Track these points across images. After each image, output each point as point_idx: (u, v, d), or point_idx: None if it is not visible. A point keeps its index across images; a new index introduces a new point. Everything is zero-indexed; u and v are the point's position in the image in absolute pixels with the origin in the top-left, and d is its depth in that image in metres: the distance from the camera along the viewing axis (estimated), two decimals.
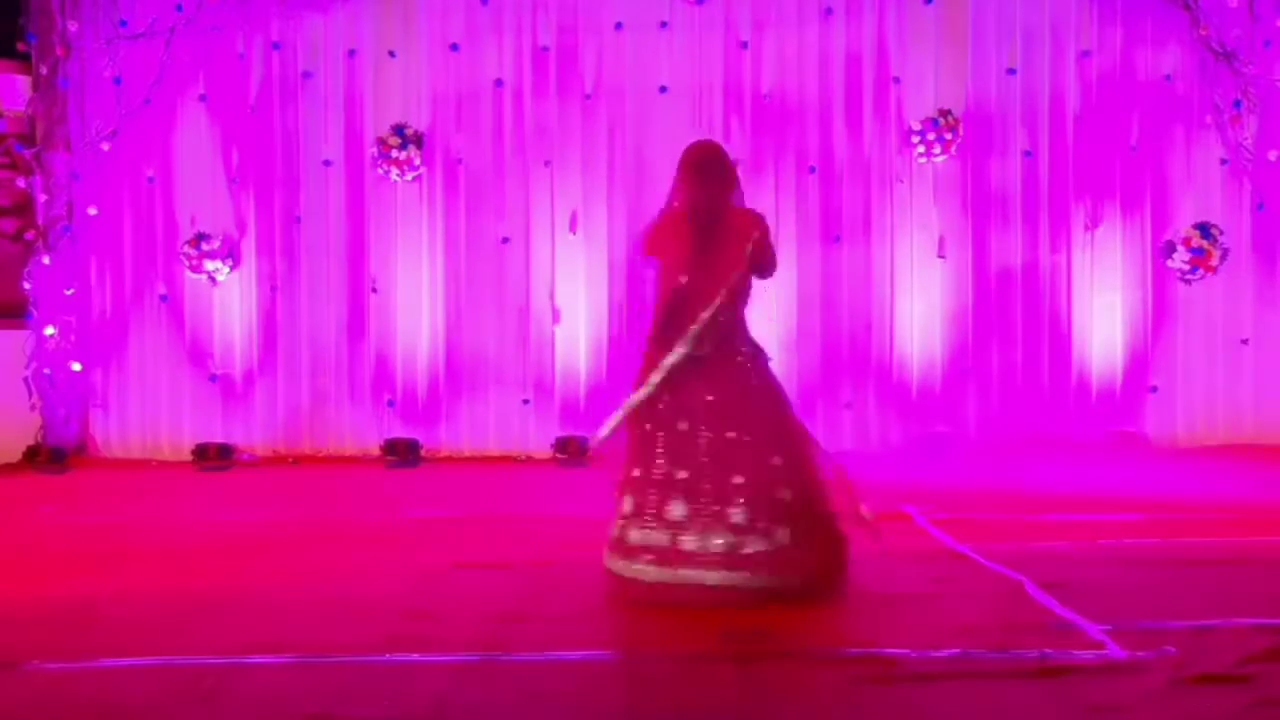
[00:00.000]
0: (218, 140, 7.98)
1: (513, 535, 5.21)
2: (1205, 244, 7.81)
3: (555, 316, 7.98)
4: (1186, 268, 7.85)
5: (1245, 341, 7.88)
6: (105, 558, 4.83)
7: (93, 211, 7.97)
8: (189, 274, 8.01)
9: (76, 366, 8.00)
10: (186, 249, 7.97)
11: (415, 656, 3.35)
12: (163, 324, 8.06)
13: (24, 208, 7.96)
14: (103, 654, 3.39)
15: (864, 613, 3.83)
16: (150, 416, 8.04)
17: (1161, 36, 7.87)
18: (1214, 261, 7.82)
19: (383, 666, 3.30)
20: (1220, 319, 7.91)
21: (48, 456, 7.78)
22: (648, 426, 4.01)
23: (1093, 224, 7.93)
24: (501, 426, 7.96)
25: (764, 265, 4.17)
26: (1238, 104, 7.77)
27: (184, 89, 7.94)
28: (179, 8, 7.83)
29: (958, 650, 3.33)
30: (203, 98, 7.97)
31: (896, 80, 7.91)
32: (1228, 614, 3.67)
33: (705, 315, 3.99)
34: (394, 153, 7.86)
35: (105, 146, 7.90)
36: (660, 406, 3.99)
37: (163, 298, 8.06)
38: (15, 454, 7.83)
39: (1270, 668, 3.17)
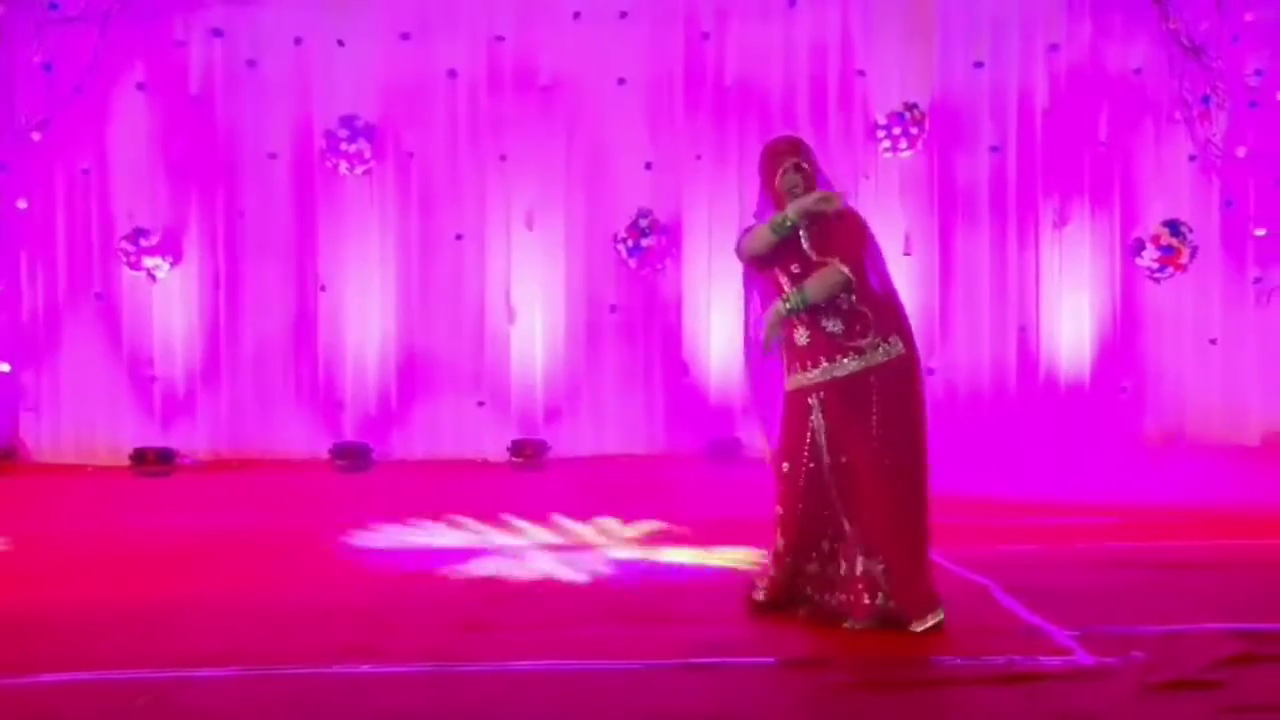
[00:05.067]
0: (156, 131, 7.73)
1: (467, 541, 5.09)
2: (1174, 242, 7.71)
3: (511, 316, 7.79)
4: (1156, 266, 7.75)
5: (1214, 341, 7.80)
6: (39, 568, 4.71)
7: (22, 204, 7.71)
8: (127, 270, 7.76)
9: (5, 367, 7.73)
10: (124, 244, 7.71)
11: (368, 668, 3.28)
12: (99, 323, 7.80)
13: None
14: (40, 668, 3.28)
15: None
16: (86, 419, 7.79)
17: (1131, 30, 7.80)
18: (1183, 260, 7.74)
19: (335, 679, 3.22)
20: (1189, 318, 7.84)
21: None
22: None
23: (1061, 222, 7.83)
24: (456, 429, 7.77)
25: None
26: (1206, 99, 7.68)
27: (120, 77, 7.69)
28: None
29: (924, 656, 3.30)
30: (140, 86, 7.72)
31: (861, 73, 7.78)
32: (1197, 619, 3.63)
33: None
34: (343, 145, 7.66)
35: (36, 136, 7.63)
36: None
37: (98, 295, 7.79)
38: None
39: (1238, 673, 3.13)
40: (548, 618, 3.82)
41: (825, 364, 3.63)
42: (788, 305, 3.63)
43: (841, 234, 3.67)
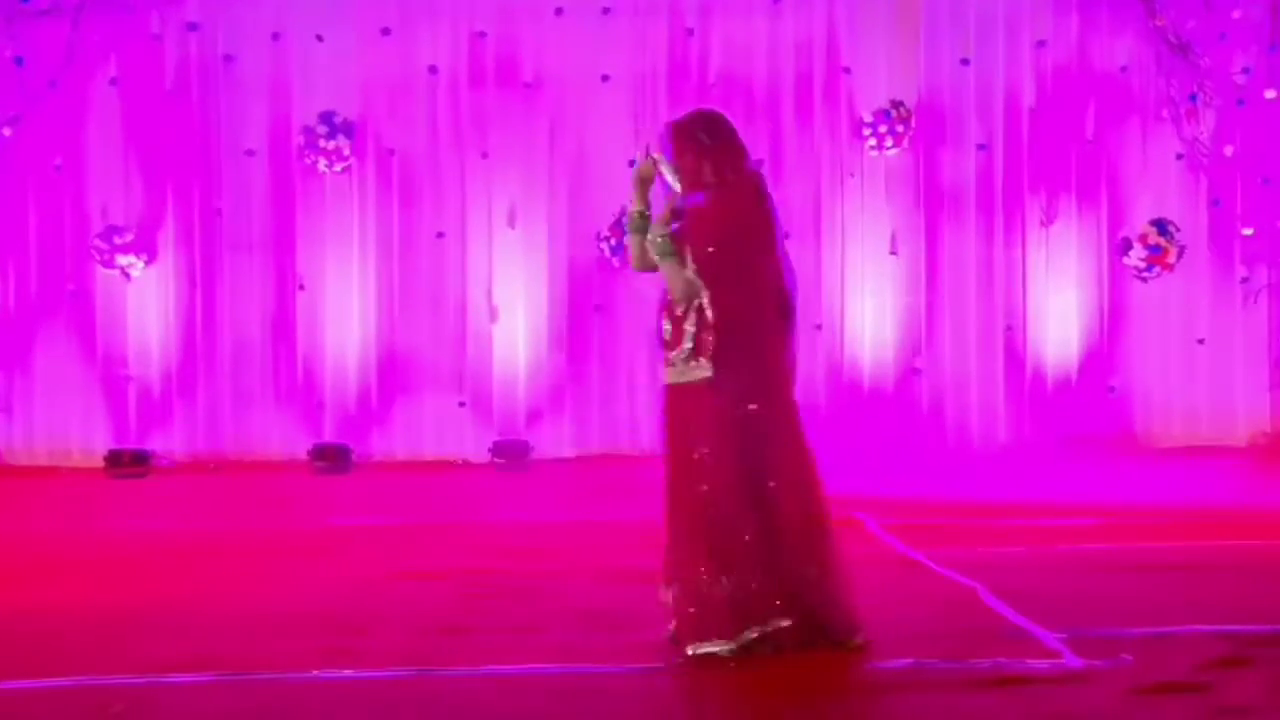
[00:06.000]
0: (131, 127, 7.63)
1: (449, 543, 5.10)
2: (1162, 241, 7.68)
3: (493, 315, 7.72)
4: (1143, 265, 7.72)
5: (1201, 341, 7.76)
6: (12, 572, 4.62)
7: None
8: (101, 269, 7.66)
9: None
10: (98, 242, 7.62)
11: (348, 672, 3.22)
12: (72, 322, 7.70)
13: None
14: (10, 674, 3.21)
15: None
16: (59, 421, 7.68)
17: (1118, 26, 7.77)
18: (1171, 259, 7.70)
19: (313, 683, 3.17)
20: (1177, 318, 7.81)
21: None
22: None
23: (1048, 220, 7.80)
24: (437, 430, 7.70)
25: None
26: (1193, 97, 7.64)
27: (93, 71, 7.59)
28: None
29: (910, 660, 3.22)
30: (114, 81, 7.62)
31: (847, 70, 7.74)
32: (1185, 621, 3.59)
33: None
34: (322, 142, 7.58)
35: (6, 132, 7.52)
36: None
37: (72, 294, 7.68)
38: None
39: (1227, 675, 3.10)
40: (526, 620, 3.76)
41: (661, 366, 3.41)
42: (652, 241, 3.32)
43: (707, 230, 3.28)
